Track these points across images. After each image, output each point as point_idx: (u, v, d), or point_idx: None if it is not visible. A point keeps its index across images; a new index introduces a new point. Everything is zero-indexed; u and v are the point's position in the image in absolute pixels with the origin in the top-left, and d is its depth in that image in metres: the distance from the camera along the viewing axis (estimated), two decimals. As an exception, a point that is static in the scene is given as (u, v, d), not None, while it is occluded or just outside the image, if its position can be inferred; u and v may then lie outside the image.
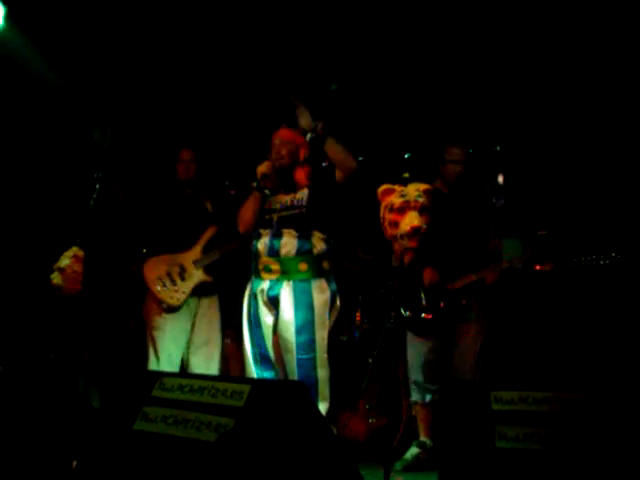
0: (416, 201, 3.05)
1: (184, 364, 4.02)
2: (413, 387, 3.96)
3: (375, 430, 4.47)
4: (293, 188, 3.67)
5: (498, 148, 5.07)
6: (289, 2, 4.66)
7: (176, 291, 3.92)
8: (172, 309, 3.93)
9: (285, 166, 3.65)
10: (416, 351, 3.87)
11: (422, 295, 3.67)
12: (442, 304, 3.63)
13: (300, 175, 3.66)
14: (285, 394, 2.30)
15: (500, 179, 5.20)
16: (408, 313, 3.68)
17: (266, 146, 3.70)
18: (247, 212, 3.65)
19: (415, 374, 3.90)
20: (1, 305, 4.33)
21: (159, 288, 3.93)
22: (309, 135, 3.46)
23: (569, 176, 4.92)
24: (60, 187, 4.71)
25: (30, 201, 4.68)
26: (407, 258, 3.20)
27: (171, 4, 4.64)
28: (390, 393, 4.52)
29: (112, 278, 4.70)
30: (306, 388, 2.33)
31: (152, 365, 3.92)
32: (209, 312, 4.09)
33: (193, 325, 4.00)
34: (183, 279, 3.97)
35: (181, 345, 3.97)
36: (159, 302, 3.93)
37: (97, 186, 3.85)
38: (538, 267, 4.81)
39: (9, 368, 3.13)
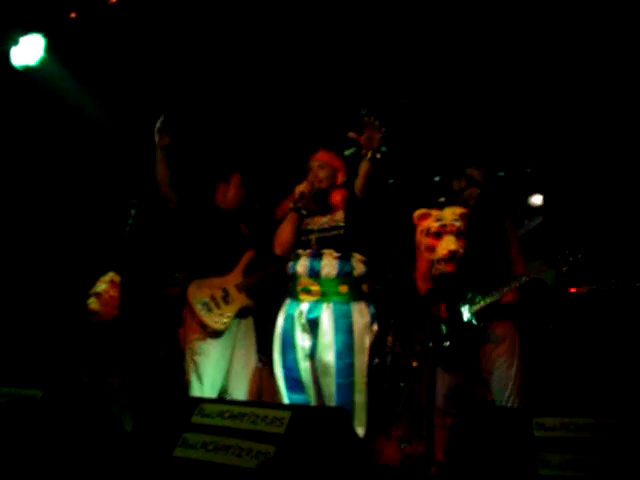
0: (452, 225, 3.02)
1: (222, 388, 3.98)
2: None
3: (408, 456, 4.42)
4: (329, 210, 3.65)
5: (529, 170, 5.04)
6: (324, 32, 4.70)
7: (221, 315, 3.89)
8: (217, 333, 3.90)
9: (323, 189, 3.65)
10: (440, 379, 3.76)
11: (442, 326, 3.58)
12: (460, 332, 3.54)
13: (337, 198, 3.65)
14: (326, 420, 2.29)
15: (537, 200, 5.17)
16: (431, 345, 3.59)
17: (293, 169, 3.69)
18: (284, 233, 3.62)
19: (437, 399, 3.79)
20: (41, 330, 4.38)
21: (204, 313, 3.88)
22: (370, 154, 3.34)
23: (605, 197, 4.87)
24: (97, 213, 4.77)
25: (67, 227, 4.74)
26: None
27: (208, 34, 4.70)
28: (423, 419, 4.46)
29: (148, 303, 4.72)
30: (347, 414, 2.31)
31: (195, 390, 3.86)
32: (247, 335, 4.07)
33: (233, 348, 3.98)
34: (227, 303, 3.95)
35: (222, 369, 3.93)
36: (203, 326, 3.88)
37: (132, 212, 3.88)
38: (573, 290, 4.77)
39: (49, 393, 3.14)
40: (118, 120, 4.79)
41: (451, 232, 3.00)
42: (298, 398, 3.55)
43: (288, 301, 3.65)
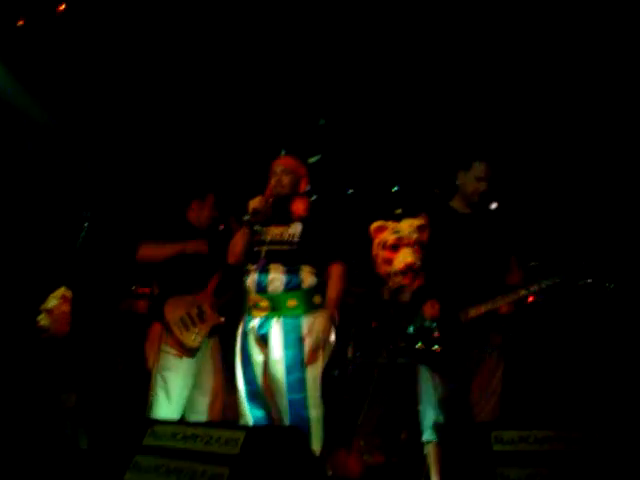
0: (409, 237, 2.99)
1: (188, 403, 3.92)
2: (427, 425, 3.63)
3: (371, 468, 4.39)
4: (287, 220, 3.59)
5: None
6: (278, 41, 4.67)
7: (197, 333, 3.87)
8: (190, 350, 3.86)
9: (284, 195, 3.59)
10: (431, 387, 3.67)
11: (433, 326, 3.48)
12: (455, 335, 3.45)
13: (297, 207, 3.59)
14: (280, 440, 2.23)
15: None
16: (420, 345, 3.50)
17: (247, 181, 3.64)
18: (236, 247, 3.57)
19: (430, 411, 3.62)
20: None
21: (181, 330, 3.85)
22: None
23: (563, 207, 4.90)
24: (48, 226, 4.65)
25: (17, 240, 4.61)
26: (406, 296, 3.09)
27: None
28: (386, 430, 4.44)
29: (103, 317, 4.62)
30: (301, 433, 2.26)
31: (162, 407, 3.79)
32: (214, 352, 4.02)
33: (201, 365, 3.92)
34: (202, 320, 3.90)
35: (189, 385, 3.88)
36: (179, 344, 3.85)
37: (85, 225, 3.78)
38: (530, 299, 4.78)
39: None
40: (69, 130, 4.68)
41: (408, 244, 2.98)
42: (259, 413, 3.50)
43: (244, 317, 3.61)
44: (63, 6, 3.95)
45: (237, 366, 3.58)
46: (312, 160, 3.67)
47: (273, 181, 3.57)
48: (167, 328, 3.87)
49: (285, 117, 5.09)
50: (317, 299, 3.51)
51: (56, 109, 4.65)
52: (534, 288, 3.32)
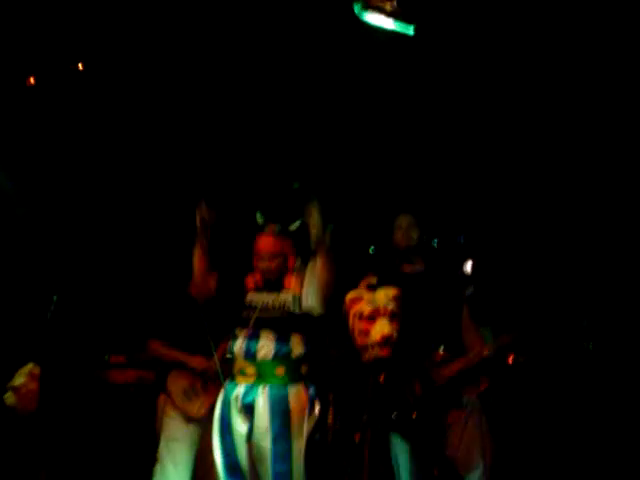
0: (385, 308, 2.95)
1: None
2: None
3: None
4: (278, 288, 3.54)
5: (462, 240, 5.05)
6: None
7: (201, 403, 3.90)
8: (194, 421, 3.90)
9: (273, 278, 3.54)
10: (401, 452, 3.61)
11: (410, 399, 3.43)
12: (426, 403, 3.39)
13: (288, 282, 3.55)
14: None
15: (468, 267, 5.14)
16: (394, 415, 3.45)
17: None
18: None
19: (400, 476, 3.59)
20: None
21: (185, 401, 3.91)
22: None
23: (539, 264, 4.91)
24: (14, 301, 4.57)
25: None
26: (382, 378, 3.04)
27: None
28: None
29: (73, 391, 4.52)
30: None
31: (171, 477, 3.84)
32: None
33: (204, 432, 3.85)
34: (206, 391, 3.92)
35: (194, 453, 3.91)
36: (184, 414, 3.91)
37: (54, 298, 3.71)
38: (511, 359, 4.73)
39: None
40: (33, 197, 4.65)
41: (384, 315, 2.94)
42: (237, 486, 3.40)
43: (227, 383, 3.54)
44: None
45: (214, 436, 3.48)
46: (293, 227, 3.61)
47: (262, 265, 3.53)
48: (170, 399, 3.94)
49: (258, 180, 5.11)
50: (304, 369, 3.48)
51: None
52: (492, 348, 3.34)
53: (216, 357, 3.78)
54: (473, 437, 3.44)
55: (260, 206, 3.69)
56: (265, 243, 3.56)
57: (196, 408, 3.89)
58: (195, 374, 3.95)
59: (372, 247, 4.87)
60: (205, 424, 3.84)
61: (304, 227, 3.39)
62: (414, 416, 3.39)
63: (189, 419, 3.90)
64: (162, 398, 4.02)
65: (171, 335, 4.05)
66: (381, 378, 3.41)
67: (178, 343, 4.02)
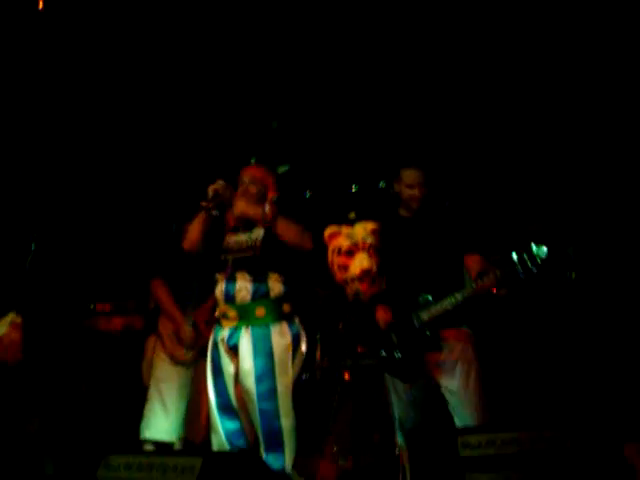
0: (364, 242, 2.92)
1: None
2: (397, 430, 3.60)
3: (346, 472, 4.33)
4: (251, 226, 3.50)
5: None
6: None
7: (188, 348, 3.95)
8: (182, 364, 3.91)
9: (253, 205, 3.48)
10: (395, 393, 3.61)
11: (392, 335, 3.42)
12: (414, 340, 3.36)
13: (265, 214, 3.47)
14: (237, 466, 2.15)
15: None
16: (384, 353, 3.43)
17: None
18: (192, 232, 3.50)
19: (396, 416, 3.54)
20: None
21: (173, 344, 3.92)
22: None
23: (521, 190, 4.86)
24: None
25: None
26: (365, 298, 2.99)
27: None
28: (358, 434, 4.37)
29: (57, 340, 4.51)
30: (259, 458, 2.17)
31: (160, 419, 3.83)
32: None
33: (196, 379, 3.91)
34: (197, 337, 3.92)
35: (185, 397, 3.91)
36: (171, 357, 3.92)
37: (32, 246, 3.66)
38: (494, 290, 4.73)
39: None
40: (10, 146, 4.55)
41: (363, 249, 2.90)
42: (231, 425, 3.41)
43: (214, 327, 3.54)
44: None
45: (207, 377, 3.50)
46: (281, 170, 3.58)
47: (240, 190, 3.50)
48: (160, 341, 3.95)
49: (250, 123, 5.03)
50: (286, 307, 3.45)
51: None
52: (479, 283, 3.23)
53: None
54: (463, 381, 3.37)
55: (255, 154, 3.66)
56: (248, 169, 3.59)
57: (183, 352, 3.90)
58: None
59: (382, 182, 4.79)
60: (195, 368, 3.89)
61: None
62: (399, 355, 3.38)
63: (178, 362, 3.91)
64: (152, 340, 4.05)
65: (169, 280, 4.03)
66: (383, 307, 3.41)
67: (173, 290, 4.01)
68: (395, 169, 3.62)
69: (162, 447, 3.71)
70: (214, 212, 3.43)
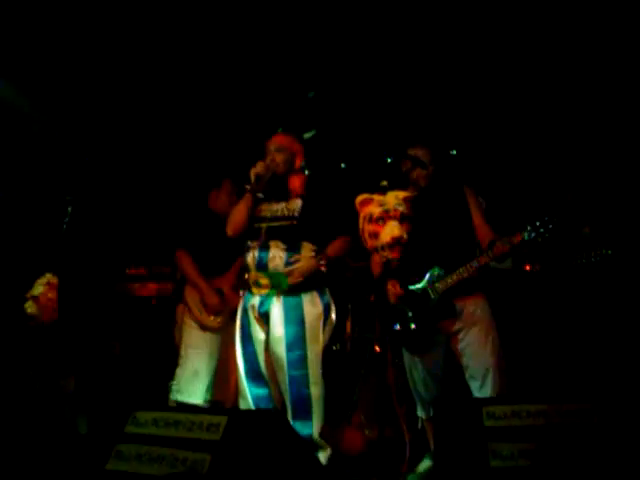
0: (395, 210, 2.90)
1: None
2: (417, 402, 3.70)
3: (372, 442, 4.35)
4: (286, 196, 3.53)
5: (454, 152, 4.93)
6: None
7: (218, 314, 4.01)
8: (212, 330, 3.99)
9: (280, 173, 3.52)
10: (413, 365, 3.61)
11: (407, 309, 3.43)
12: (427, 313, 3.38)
13: (294, 183, 3.54)
14: (263, 425, 2.17)
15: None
16: (398, 327, 3.45)
17: (260, 151, 3.56)
18: (238, 215, 3.51)
19: (415, 389, 3.64)
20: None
21: (200, 311, 3.99)
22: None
23: (557, 169, 4.79)
24: (30, 212, 4.60)
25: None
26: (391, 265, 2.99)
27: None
28: (385, 403, 4.39)
29: (92, 302, 4.60)
30: (283, 417, 2.20)
31: (190, 384, 3.92)
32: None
33: (224, 345, 3.99)
34: (222, 302, 4.00)
35: (215, 361, 3.99)
36: (199, 324, 4.00)
37: (69, 209, 3.73)
38: (528, 267, 4.68)
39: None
40: (47, 113, 4.61)
41: (394, 217, 2.89)
42: (259, 392, 3.47)
43: (244, 293, 3.57)
44: None
45: (236, 344, 3.55)
46: (307, 136, 3.58)
47: (267, 159, 3.50)
48: (188, 308, 4.02)
49: (278, 94, 5.01)
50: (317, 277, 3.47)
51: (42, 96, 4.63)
52: (490, 254, 3.26)
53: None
54: (479, 344, 3.39)
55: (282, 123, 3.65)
56: (274, 138, 3.60)
57: (211, 318, 3.97)
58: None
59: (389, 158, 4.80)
60: (224, 334, 3.96)
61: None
62: (413, 327, 3.38)
63: (207, 328, 3.98)
64: (180, 308, 4.11)
65: (194, 249, 4.08)
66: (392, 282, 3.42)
67: (199, 257, 4.06)
68: (402, 148, 3.64)
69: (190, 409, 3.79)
70: (259, 195, 3.47)
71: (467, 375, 3.43)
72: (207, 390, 3.90)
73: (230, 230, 3.55)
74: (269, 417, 2.32)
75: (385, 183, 3.07)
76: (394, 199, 2.95)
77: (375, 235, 2.94)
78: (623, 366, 3.96)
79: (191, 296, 4.03)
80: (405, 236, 2.89)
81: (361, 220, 3.05)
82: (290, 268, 3.40)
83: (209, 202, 4.24)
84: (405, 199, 2.97)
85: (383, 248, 2.94)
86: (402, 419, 4.13)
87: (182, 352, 4.01)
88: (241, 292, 3.71)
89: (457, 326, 3.42)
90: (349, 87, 4.93)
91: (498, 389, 3.28)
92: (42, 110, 4.74)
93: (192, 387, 3.87)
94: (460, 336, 3.42)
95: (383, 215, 2.92)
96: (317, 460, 2.60)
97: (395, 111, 4.94)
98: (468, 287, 3.37)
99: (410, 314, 3.39)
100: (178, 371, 3.96)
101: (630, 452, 2.21)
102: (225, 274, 4.06)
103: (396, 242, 2.89)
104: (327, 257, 3.46)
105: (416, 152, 3.56)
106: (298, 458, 2.20)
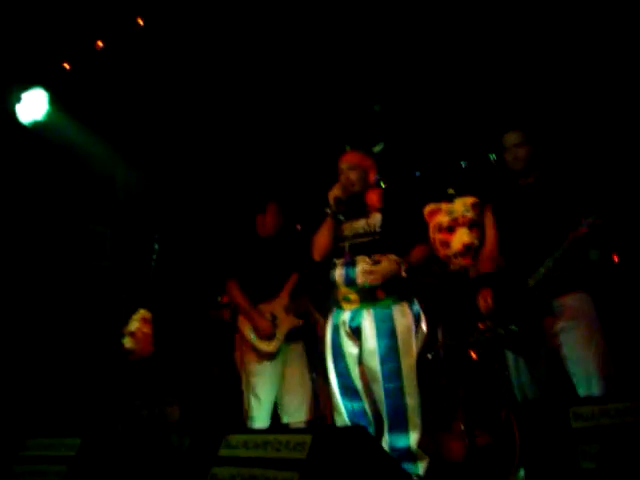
0: (464, 217, 2.90)
1: (277, 403, 4.13)
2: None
3: (475, 449, 4.30)
4: (365, 213, 3.57)
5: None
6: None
7: (273, 339, 4.07)
8: (269, 355, 4.04)
9: (357, 192, 3.57)
10: (518, 369, 3.37)
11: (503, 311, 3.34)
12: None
13: (372, 199, 3.57)
14: (347, 441, 2.22)
15: None
16: (501, 330, 3.35)
17: (320, 174, 3.63)
18: (322, 239, 3.57)
19: (521, 392, 3.36)
20: (81, 377, 4.46)
21: (255, 337, 4.05)
22: None
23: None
24: (120, 252, 4.84)
25: (94, 271, 4.82)
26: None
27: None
28: (486, 410, 4.34)
29: (186, 332, 4.76)
30: (368, 432, 2.23)
31: (254, 410, 4.01)
32: (298, 357, 4.18)
33: (285, 366, 4.10)
34: (276, 326, 4.08)
35: (276, 387, 4.07)
36: (256, 350, 4.06)
37: (156, 247, 3.91)
38: (616, 258, 4.51)
39: (97, 437, 3.19)
40: (129, 159, 4.85)
41: (463, 224, 2.89)
42: (353, 405, 3.51)
43: (333, 310, 3.62)
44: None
45: (328, 360, 3.59)
46: (377, 149, 3.60)
47: (342, 179, 3.56)
48: (242, 336, 4.08)
49: (341, 112, 5.07)
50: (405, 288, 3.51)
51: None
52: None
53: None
54: (582, 348, 3.15)
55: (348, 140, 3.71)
56: (346, 156, 3.63)
57: (267, 344, 4.02)
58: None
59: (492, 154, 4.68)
60: (284, 358, 4.06)
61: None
62: (514, 328, 3.28)
63: (263, 354, 4.03)
64: (238, 336, 4.18)
65: (244, 277, 4.15)
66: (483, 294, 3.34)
67: (250, 284, 4.13)
68: (499, 138, 3.46)
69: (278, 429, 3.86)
70: (341, 217, 3.52)
71: (574, 381, 3.18)
72: (268, 414, 4.00)
73: (317, 255, 3.61)
74: (353, 433, 2.37)
75: (452, 191, 3.07)
76: (462, 206, 2.95)
77: (446, 244, 2.95)
78: None
79: (244, 324, 4.10)
80: (476, 242, 2.88)
81: (431, 230, 3.06)
82: (372, 268, 3.44)
83: (257, 229, 4.30)
84: (473, 205, 2.95)
85: (455, 256, 2.94)
86: (514, 424, 4.05)
87: (243, 379, 4.10)
88: (332, 309, 3.71)
89: (559, 325, 3.21)
90: (408, 96, 4.94)
91: None
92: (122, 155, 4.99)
93: (257, 413, 3.97)
94: (562, 338, 3.20)
95: (452, 224, 2.92)
96: (406, 474, 2.60)
97: (462, 114, 4.90)
98: (568, 284, 3.20)
99: (509, 316, 3.25)
100: (244, 399, 4.05)
101: None
102: (276, 297, 4.12)
103: (467, 249, 2.88)
104: (408, 263, 3.48)
105: (510, 135, 3.41)
106: (384, 473, 2.23)
